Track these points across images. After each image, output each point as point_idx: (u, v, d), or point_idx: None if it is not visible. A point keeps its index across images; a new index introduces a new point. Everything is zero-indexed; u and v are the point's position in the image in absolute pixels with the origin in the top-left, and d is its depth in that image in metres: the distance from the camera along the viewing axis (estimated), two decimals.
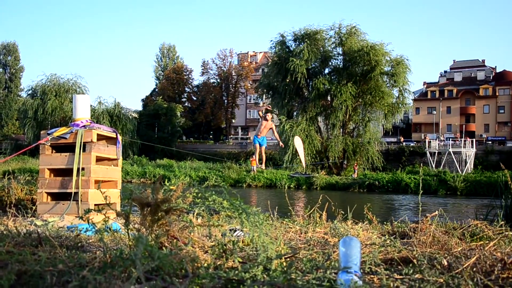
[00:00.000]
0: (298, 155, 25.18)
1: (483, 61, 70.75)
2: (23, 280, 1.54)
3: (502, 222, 3.57)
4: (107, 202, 2.39)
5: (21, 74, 71.32)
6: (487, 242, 2.72)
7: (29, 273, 1.57)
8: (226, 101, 66.07)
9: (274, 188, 30.87)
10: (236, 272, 1.61)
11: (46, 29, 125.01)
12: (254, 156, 12.19)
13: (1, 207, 4.93)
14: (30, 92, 49.37)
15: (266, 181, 32.12)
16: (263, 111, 12.08)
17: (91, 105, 10.44)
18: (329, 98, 37.13)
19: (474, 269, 1.90)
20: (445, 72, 71.75)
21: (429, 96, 65.77)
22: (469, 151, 39.39)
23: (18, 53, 70.68)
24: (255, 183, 32.10)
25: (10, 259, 1.71)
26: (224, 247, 1.96)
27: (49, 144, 5.02)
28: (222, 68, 65.17)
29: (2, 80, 69.00)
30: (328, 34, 37.09)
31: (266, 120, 11.50)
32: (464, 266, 1.93)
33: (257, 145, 11.87)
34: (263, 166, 12.65)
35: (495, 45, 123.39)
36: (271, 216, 4.08)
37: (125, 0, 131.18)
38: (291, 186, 31.01)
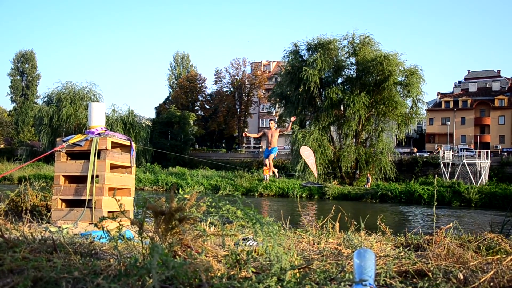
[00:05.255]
0: (308, 166, 24.90)
1: (498, 71, 69.99)
2: (38, 286, 1.56)
3: None
4: (121, 209, 2.40)
5: (37, 81, 72.56)
6: (504, 256, 2.67)
7: (45, 280, 1.58)
8: (239, 109, 66.24)
9: (286, 197, 30.78)
10: (250, 282, 1.60)
11: (62, 38, 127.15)
12: (266, 166, 12.18)
13: (17, 213, 4.99)
14: (46, 99, 49.84)
15: (278, 190, 32.04)
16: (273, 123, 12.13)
17: (105, 113, 10.50)
18: (342, 107, 37.04)
19: (491, 283, 1.87)
20: (460, 82, 71.10)
21: (443, 107, 65.20)
22: (484, 163, 38.84)
23: (35, 61, 72.00)
24: (267, 192, 32.03)
25: (26, 265, 1.73)
26: (238, 256, 1.96)
27: (65, 151, 5.07)
28: (235, 77, 65.45)
29: (19, 87, 70.32)
30: (341, 44, 37.15)
31: (270, 128, 11.63)
32: (481, 280, 1.90)
33: (267, 160, 11.94)
34: (274, 172, 12.67)
35: (510, 56, 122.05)
36: (284, 225, 4.06)
37: (139, 8, 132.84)
38: (303, 195, 30.92)
